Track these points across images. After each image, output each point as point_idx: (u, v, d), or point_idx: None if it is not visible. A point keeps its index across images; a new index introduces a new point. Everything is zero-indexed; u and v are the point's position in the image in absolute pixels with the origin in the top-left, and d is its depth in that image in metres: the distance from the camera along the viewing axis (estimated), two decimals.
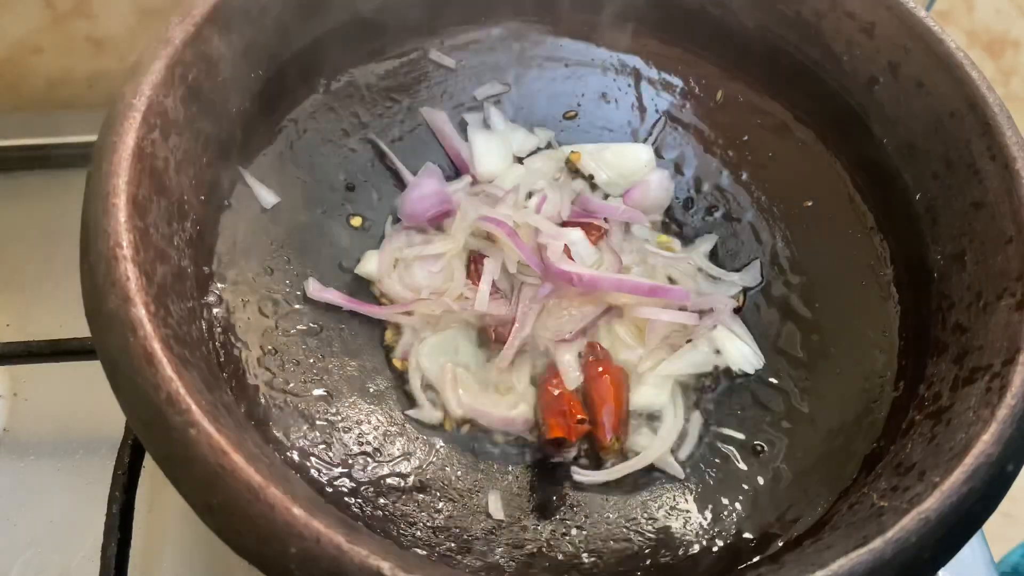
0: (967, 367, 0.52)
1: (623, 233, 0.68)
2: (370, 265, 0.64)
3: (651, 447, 0.59)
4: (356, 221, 0.66)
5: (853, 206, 0.66)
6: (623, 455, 0.59)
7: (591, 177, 0.71)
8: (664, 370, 0.61)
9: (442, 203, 0.66)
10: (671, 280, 0.66)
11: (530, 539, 0.54)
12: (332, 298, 0.60)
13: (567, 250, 0.63)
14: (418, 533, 0.53)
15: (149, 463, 0.61)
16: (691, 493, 0.58)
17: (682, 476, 0.58)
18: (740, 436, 0.60)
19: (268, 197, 0.62)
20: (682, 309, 0.63)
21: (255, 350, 0.56)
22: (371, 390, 0.59)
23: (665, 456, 0.59)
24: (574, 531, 0.55)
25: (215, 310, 0.55)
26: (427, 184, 0.66)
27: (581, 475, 0.58)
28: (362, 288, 0.64)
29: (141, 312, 0.43)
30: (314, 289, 0.60)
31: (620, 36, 0.73)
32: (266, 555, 0.40)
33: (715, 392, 0.63)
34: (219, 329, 0.55)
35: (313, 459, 0.54)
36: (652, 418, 0.61)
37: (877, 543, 0.43)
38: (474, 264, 0.64)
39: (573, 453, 0.59)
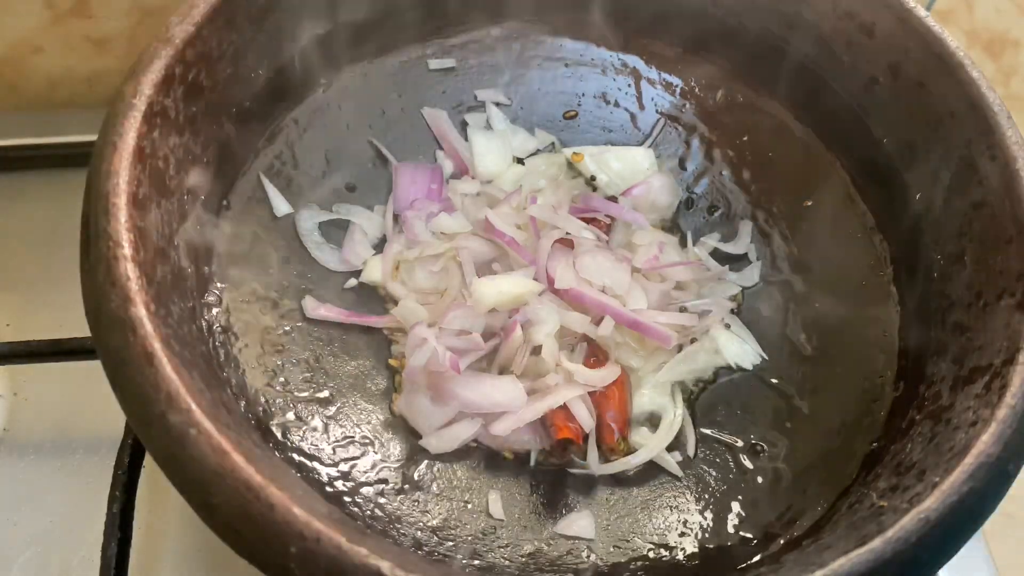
0: (967, 367, 0.52)
1: (626, 232, 0.68)
2: (374, 272, 0.64)
3: (649, 445, 0.59)
4: None
5: (853, 206, 0.66)
6: (628, 455, 0.59)
7: (593, 178, 0.71)
8: (665, 375, 0.61)
9: (433, 179, 0.67)
10: (680, 286, 0.65)
11: (530, 539, 0.54)
12: (330, 315, 0.60)
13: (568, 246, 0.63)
14: (418, 533, 0.53)
15: (149, 463, 0.61)
16: (691, 493, 0.58)
17: (681, 475, 0.58)
18: (740, 436, 0.60)
19: (282, 206, 0.62)
20: (681, 311, 0.63)
21: (255, 349, 0.56)
22: (371, 390, 0.59)
23: (664, 454, 0.59)
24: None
25: (215, 310, 0.55)
26: (410, 169, 0.67)
27: (579, 467, 0.58)
28: (366, 286, 0.64)
29: (141, 312, 0.43)
30: (311, 307, 0.60)
31: (620, 36, 0.73)
32: (266, 555, 0.40)
33: (715, 392, 0.63)
34: (219, 329, 0.55)
35: (313, 459, 0.54)
36: (653, 418, 0.61)
37: (877, 543, 0.43)
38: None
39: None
